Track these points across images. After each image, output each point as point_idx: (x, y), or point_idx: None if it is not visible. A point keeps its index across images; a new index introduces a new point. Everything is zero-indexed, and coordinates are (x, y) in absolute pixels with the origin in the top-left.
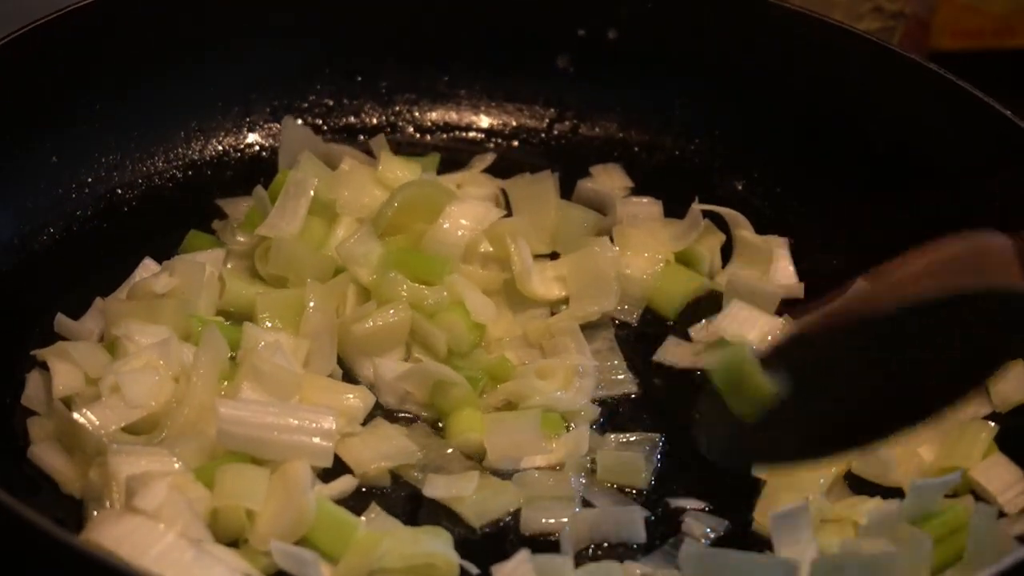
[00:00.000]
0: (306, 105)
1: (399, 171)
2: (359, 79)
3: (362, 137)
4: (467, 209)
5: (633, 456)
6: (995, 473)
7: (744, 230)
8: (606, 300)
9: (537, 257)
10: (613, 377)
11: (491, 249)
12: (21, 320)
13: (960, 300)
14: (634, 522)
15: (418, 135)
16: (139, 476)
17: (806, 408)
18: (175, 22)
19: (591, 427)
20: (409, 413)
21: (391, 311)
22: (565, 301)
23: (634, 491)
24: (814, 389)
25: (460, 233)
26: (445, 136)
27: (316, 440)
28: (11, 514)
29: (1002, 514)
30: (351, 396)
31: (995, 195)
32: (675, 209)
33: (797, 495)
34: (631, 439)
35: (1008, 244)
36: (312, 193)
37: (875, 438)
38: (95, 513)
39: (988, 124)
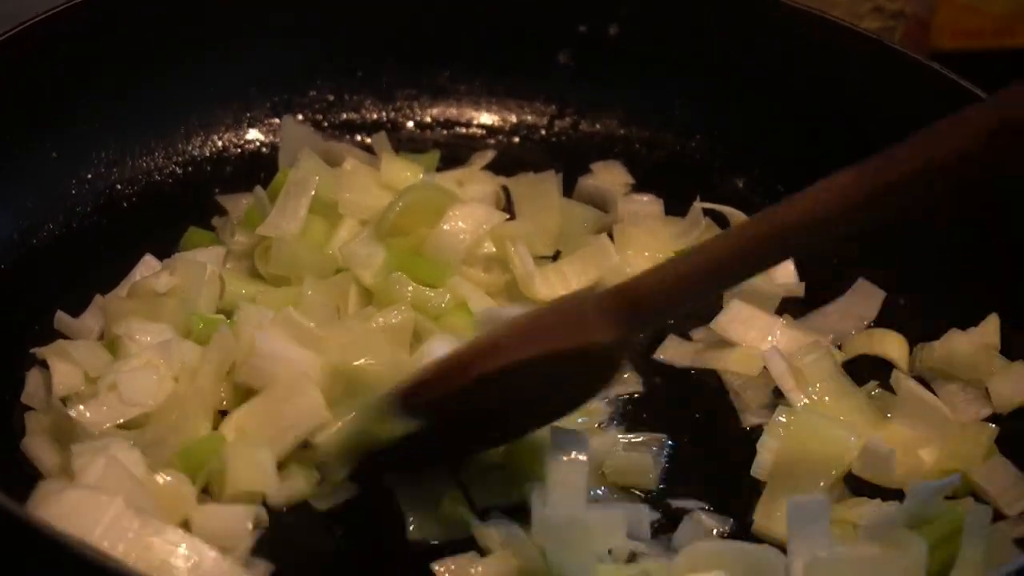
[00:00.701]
0: (306, 101)
1: (401, 172)
2: (360, 75)
3: (359, 136)
4: (469, 212)
5: (642, 457)
6: (995, 476)
7: None
8: None
9: (539, 258)
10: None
11: (494, 250)
12: (21, 317)
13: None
14: (640, 521)
15: (419, 131)
16: (82, 453)
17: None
18: (175, 18)
19: (596, 425)
20: None
21: (394, 312)
22: None
23: (639, 492)
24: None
25: (461, 236)
26: (446, 132)
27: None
28: (5, 512)
29: (1001, 516)
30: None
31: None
32: (676, 206)
33: (797, 495)
34: (638, 439)
35: (598, 300)
36: (313, 192)
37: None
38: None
39: None
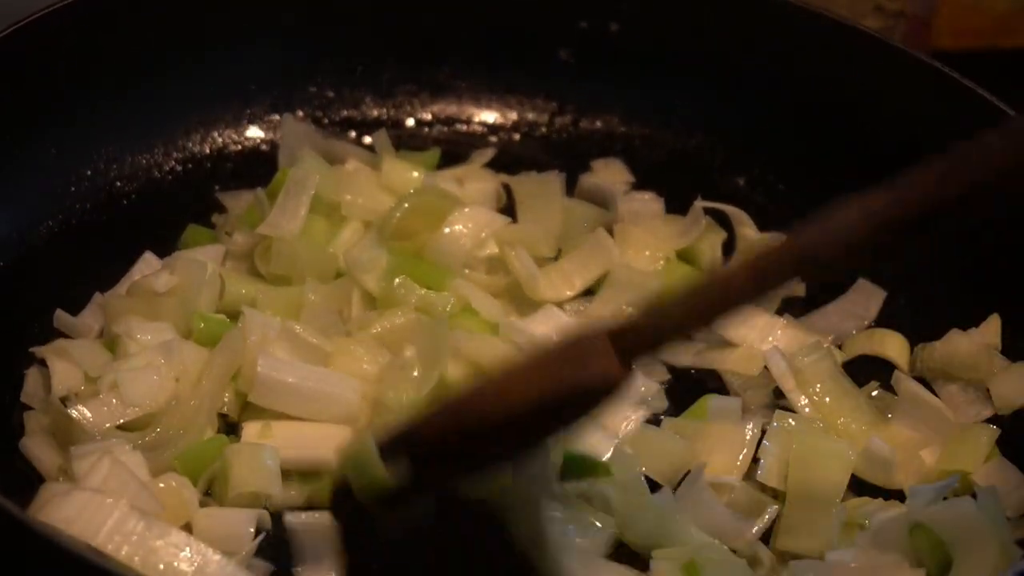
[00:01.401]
0: (306, 98)
1: (403, 173)
2: (360, 72)
3: (354, 133)
4: (470, 215)
5: None
6: (997, 477)
7: (746, 227)
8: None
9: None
10: None
11: (496, 252)
12: (20, 315)
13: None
14: None
15: (419, 128)
16: (84, 455)
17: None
18: (175, 15)
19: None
20: None
21: (398, 314)
22: (572, 299)
23: None
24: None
25: (463, 240)
26: (446, 129)
27: (347, 396)
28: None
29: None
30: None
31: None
32: (676, 204)
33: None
34: None
35: (602, 336)
36: (313, 192)
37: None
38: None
39: (991, 123)
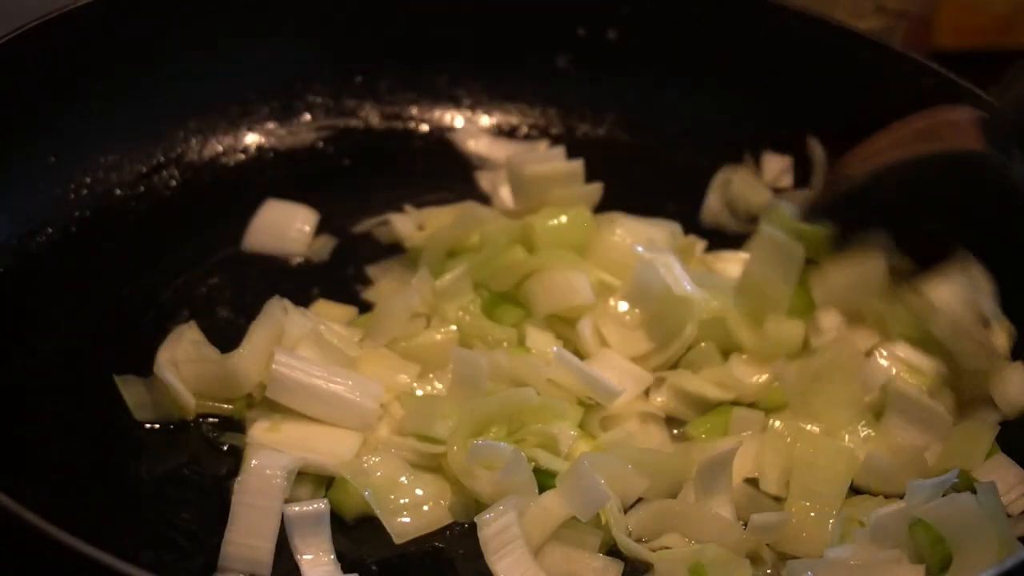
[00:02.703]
0: (305, 106)
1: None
2: (359, 79)
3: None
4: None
5: None
6: (998, 474)
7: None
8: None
9: None
10: None
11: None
12: (20, 321)
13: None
14: None
15: (418, 134)
16: None
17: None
18: (173, 22)
19: None
20: None
21: (441, 330)
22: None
23: None
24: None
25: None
26: (445, 136)
27: (364, 403)
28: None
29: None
30: (403, 374)
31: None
32: (676, 206)
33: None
34: None
35: (968, 115)
36: None
37: None
38: None
39: None
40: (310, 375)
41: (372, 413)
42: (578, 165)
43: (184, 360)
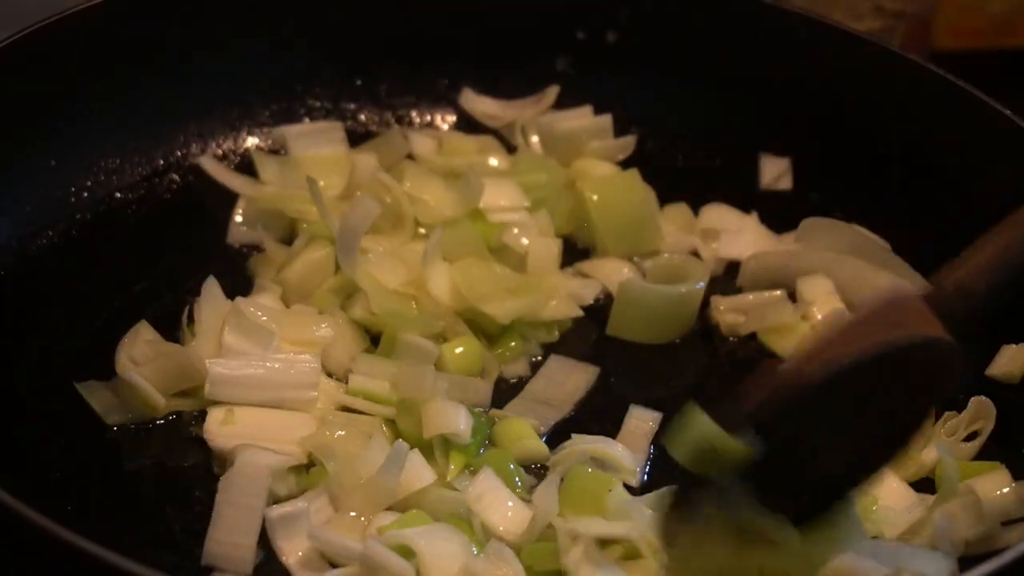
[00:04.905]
0: (305, 109)
1: None
2: (358, 82)
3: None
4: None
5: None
6: (991, 483)
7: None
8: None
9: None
10: None
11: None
12: (19, 324)
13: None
14: None
15: (417, 137)
16: None
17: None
18: (173, 26)
19: None
20: None
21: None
22: None
23: None
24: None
25: None
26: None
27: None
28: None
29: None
30: (324, 326)
31: (995, 194)
32: (676, 209)
33: None
34: None
35: (917, 298)
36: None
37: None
38: None
39: (987, 124)
40: (244, 368)
41: (313, 387)
42: (607, 120)
43: (142, 360)
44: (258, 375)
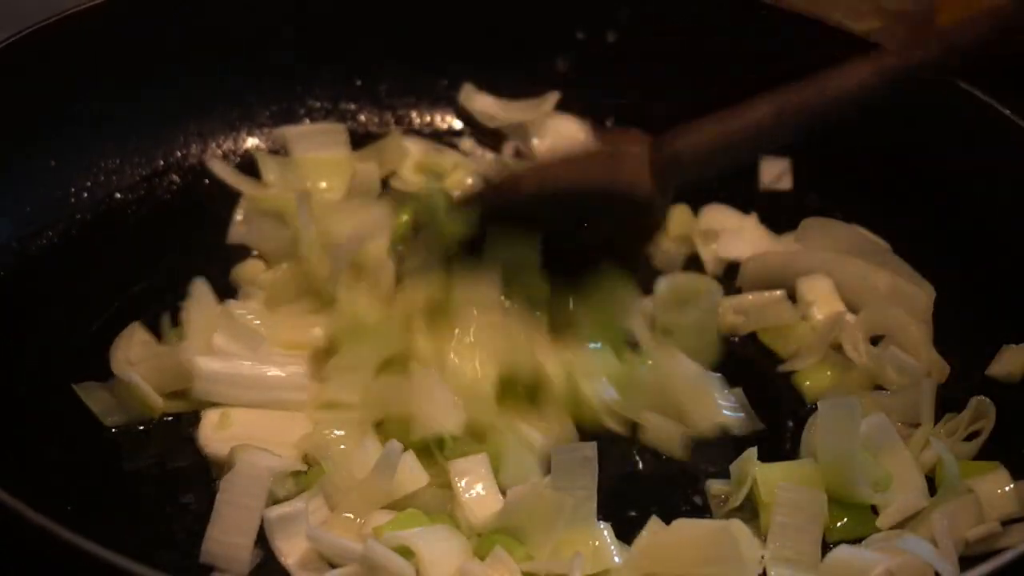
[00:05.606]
0: (304, 110)
1: None
2: (358, 83)
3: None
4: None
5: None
6: (992, 482)
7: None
8: None
9: None
10: None
11: None
12: (19, 324)
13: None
14: None
15: (417, 138)
16: None
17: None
18: (173, 27)
19: None
20: None
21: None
22: None
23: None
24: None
25: None
26: (443, 140)
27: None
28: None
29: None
30: (313, 328)
31: (995, 194)
32: (676, 209)
33: None
34: None
35: (646, 150)
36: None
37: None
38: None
39: (989, 123)
40: (233, 366)
41: (303, 388)
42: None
43: (137, 361)
44: (248, 374)
